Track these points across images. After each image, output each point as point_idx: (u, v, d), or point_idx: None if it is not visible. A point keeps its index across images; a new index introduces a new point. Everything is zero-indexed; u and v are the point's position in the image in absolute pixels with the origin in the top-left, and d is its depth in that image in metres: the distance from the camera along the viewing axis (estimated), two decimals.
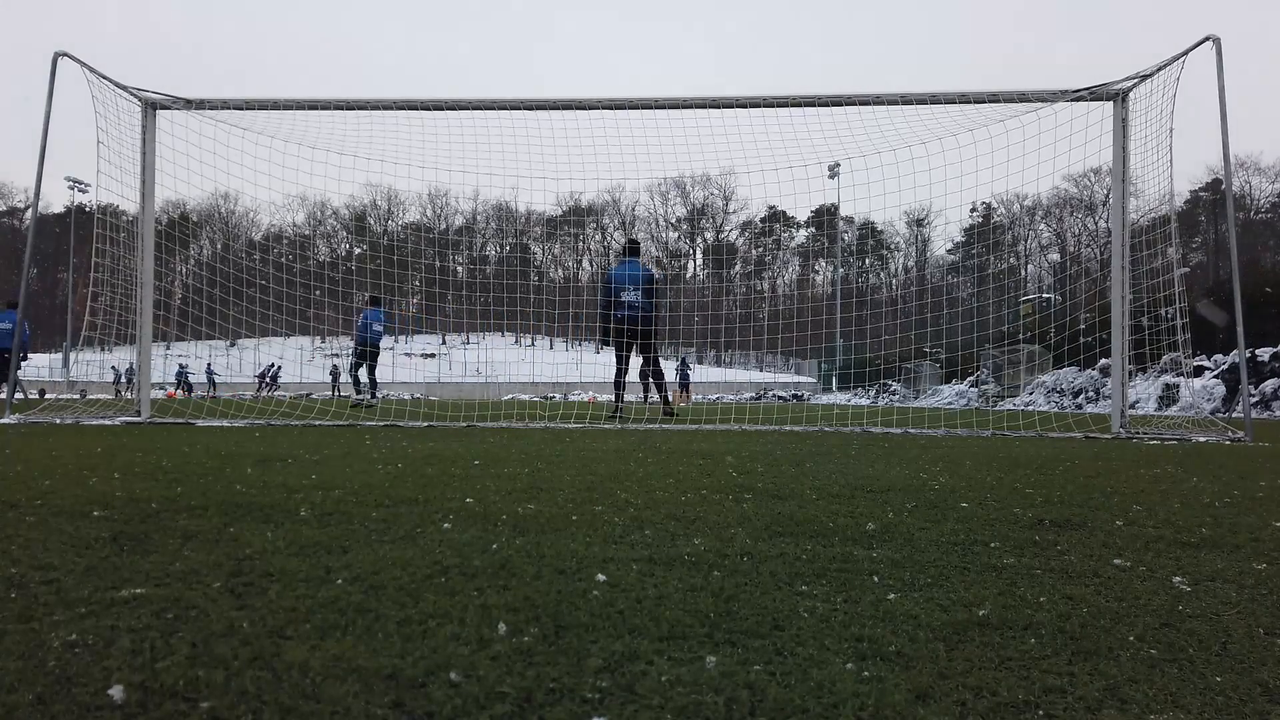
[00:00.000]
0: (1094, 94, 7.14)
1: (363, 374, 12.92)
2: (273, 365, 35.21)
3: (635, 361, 9.10)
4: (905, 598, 1.37)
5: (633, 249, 9.43)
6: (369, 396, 12.61)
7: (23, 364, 13.56)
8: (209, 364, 38.47)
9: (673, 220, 78.91)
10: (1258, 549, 1.83)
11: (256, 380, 35.95)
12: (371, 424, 7.29)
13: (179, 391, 32.95)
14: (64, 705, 0.87)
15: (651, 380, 9.39)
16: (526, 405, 14.02)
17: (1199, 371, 15.10)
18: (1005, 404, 18.91)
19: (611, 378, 9.15)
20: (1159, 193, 7.10)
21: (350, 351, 13.19)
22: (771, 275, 78.80)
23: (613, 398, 9.46)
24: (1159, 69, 6.74)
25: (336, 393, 31.04)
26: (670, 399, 9.65)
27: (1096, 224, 64.78)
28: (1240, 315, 6.39)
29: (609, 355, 9.18)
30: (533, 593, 1.35)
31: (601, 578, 1.45)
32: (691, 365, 23.29)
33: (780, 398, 32.47)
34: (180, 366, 38.05)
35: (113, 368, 35.83)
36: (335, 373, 36.50)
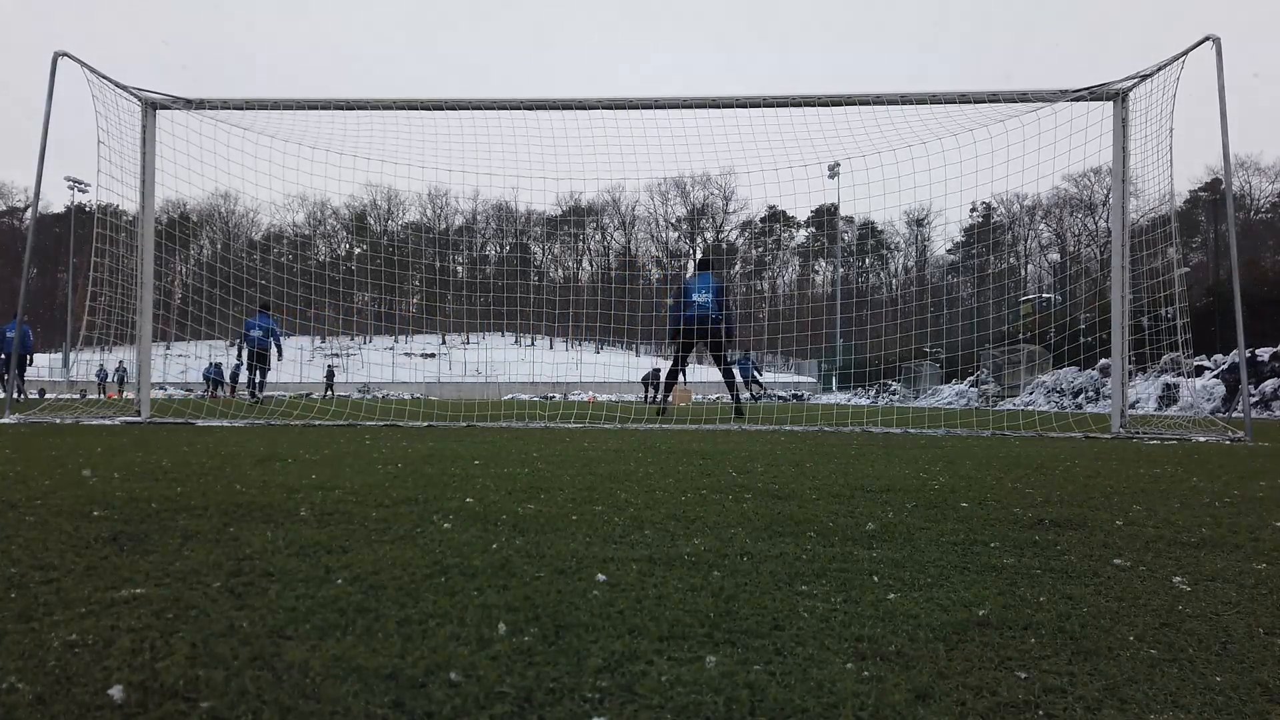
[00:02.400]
0: (1094, 94, 7.14)
1: (244, 374, 13.73)
2: (218, 365, 32.68)
3: (660, 365, 9.53)
4: (905, 598, 1.37)
5: (704, 263, 10.02)
6: (250, 395, 13.53)
7: (28, 367, 13.74)
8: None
9: (673, 220, 78.89)
10: (1258, 549, 1.83)
11: (204, 380, 33.48)
12: (372, 424, 7.29)
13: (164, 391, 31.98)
14: (64, 705, 0.87)
15: (725, 380, 9.56)
16: (526, 405, 14.02)
17: (1199, 371, 15.10)
18: (1005, 404, 18.91)
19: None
20: (1159, 193, 7.10)
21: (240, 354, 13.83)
22: (771, 275, 78.78)
23: (657, 396, 9.75)
24: (1159, 69, 6.74)
25: (332, 393, 31.03)
26: (670, 400, 9.75)
27: (1096, 224, 64.76)
28: (1240, 315, 6.39)
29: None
30: (533, 593, 1.35)
31: (601, 578, 1.45)
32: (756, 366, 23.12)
33: (780, 398, 32.45)
34: (211, 366, 37.47)
35: (99, 368, 35.47)
36: (331, 373, 36.54)
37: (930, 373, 28.31)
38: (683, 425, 7.42)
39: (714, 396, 33.60)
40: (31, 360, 15.09)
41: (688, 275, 9.81)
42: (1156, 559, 1.71)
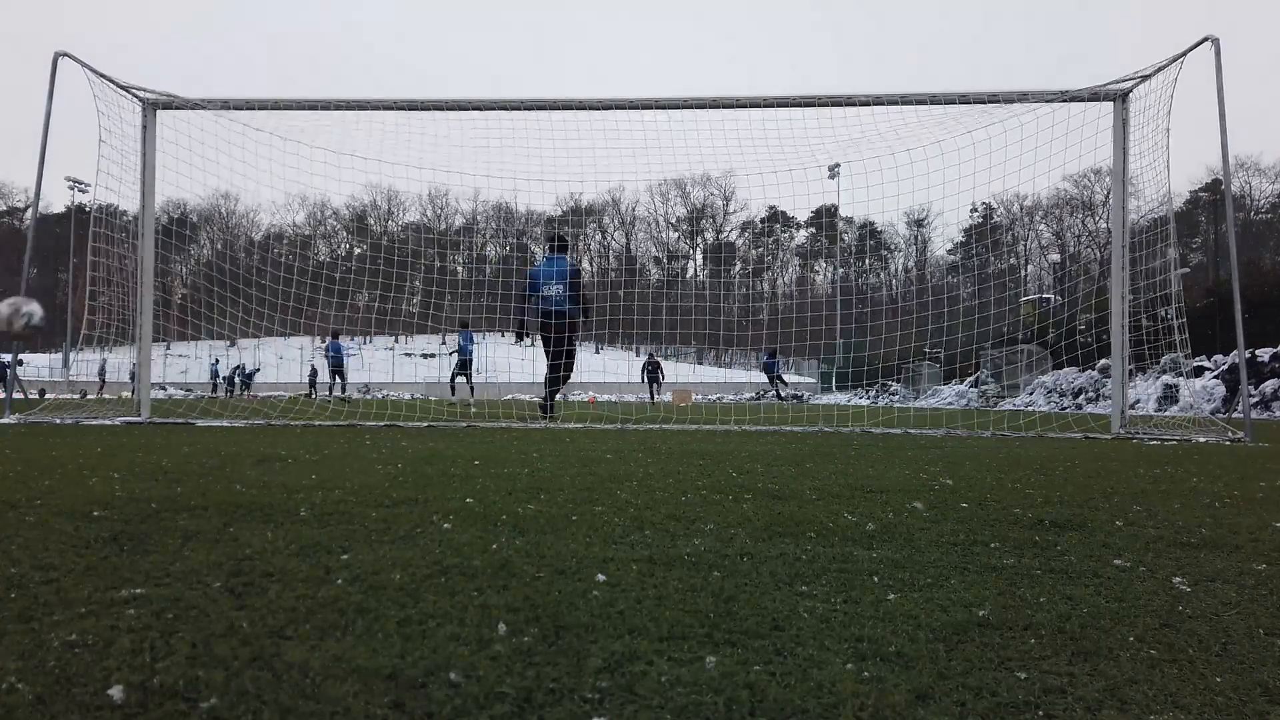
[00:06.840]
0: (1094, 94, 7.14)
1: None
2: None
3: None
4: (905, 598, 1.37)
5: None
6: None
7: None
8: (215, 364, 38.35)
9: (673, 220, 78.89)
10: (1258, 549, 1.83)
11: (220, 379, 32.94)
12: (372, 424, 7.29)
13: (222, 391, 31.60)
14: (64, 705, 0.87)
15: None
16: (526, 405, 14.01)
17: (1199, 372, 15.09)
18: (1005, 404, 18.90)
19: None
20: (1159, 193, 7.10)
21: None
22: (771, 276, 78.74)
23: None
24: (1159, 69, 6.74)
25: (314, 393, 31.22)
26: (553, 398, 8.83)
27: (1096, 224, 64.74)
28: (1240, 315, 6.39)
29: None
30: (533, 593, 1.35)
31: (601, 578, 1.45)
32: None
33: (780, 398, 32.43)
34: (240, 366, 37.36)
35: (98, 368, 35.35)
36: (314, 373, 36.55)
37: (930, 373, 28.28)
38: (683, 425, 7.42)
39: (714, 396, 33.58)
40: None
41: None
42: (1156, 559, 1.71)
